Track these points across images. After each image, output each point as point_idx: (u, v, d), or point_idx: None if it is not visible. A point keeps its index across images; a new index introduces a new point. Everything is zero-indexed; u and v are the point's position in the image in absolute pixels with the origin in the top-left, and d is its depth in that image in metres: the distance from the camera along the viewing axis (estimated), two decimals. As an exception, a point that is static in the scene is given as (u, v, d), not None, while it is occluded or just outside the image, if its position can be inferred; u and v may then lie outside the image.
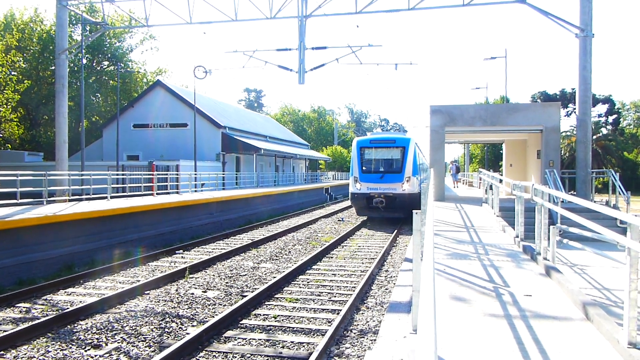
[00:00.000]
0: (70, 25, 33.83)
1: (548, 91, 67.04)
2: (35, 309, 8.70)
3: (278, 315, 8.30)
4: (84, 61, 38.96)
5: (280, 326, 7.71)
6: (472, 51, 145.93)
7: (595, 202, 17.72)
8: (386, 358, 4.74)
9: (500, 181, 12.10)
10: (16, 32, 34.45)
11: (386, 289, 10.04)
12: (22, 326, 7.32)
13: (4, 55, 26.71)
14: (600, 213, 4.74)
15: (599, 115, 68.75)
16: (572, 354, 3.97)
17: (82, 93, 21.27)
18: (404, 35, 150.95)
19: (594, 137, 52.81)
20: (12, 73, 32.88)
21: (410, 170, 19.27)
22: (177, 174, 25.00)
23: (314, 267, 12.45)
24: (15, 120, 26.35)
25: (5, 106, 25.09)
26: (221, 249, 15.13)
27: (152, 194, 20.80)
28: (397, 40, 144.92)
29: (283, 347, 6.93)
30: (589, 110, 15.89)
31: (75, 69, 35.29)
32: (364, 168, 20.16)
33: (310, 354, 6.45)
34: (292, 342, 7.09)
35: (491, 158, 45.72)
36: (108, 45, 39.99)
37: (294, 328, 7.72)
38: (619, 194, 14.75)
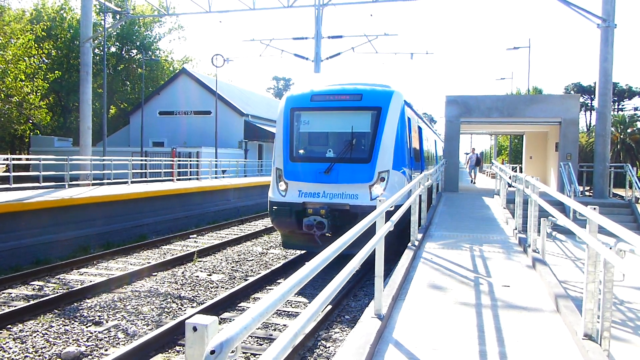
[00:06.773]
0: (101, 14, 34.64)
1: (582, 83, 65.16)
2: (47, 287, 9.17)
3: (276, 299, 8.51)
4: (113, 49, 39.93)
5: (277, 310, 7.93)
6: (493, 42, 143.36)
7: (615, 196, 17.32)
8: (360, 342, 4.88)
9: (509, 172, 11.96)
10: (47, 20, 35.48)
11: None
12: (30, 302, 7.77)
13: (35, 44, 27.58)
14: (565, 205, 4.74)
15: (635, 109, 66.46)
16: (529, 343, 4.05)
17: (105, 81, 21.92)
18: (420, 25, 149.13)
19: (629, 130, 51.14)
20: (45, 61, 33.94)
21: (389, 156, 9.63)
22: (197, 161, 25.52)
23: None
24: (44, 107, 27.26)
25: (34, 94, 25.99)
26: (234, 234, 15.47)
27: (172, 180, 21.33)
28: (413, 30, 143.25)
29: (275, 329, 7.17)
30: (609, 103, 15.50)
31: (106, 57, 36.24)
32: (295, 153, 10.30)
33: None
34: (284, 325, 7.33)
35: (516, 149, 44.80)
36: (137, 34, 40.75)
37: (289, 312, 7.96)
38: (635, 188, 14.42)
